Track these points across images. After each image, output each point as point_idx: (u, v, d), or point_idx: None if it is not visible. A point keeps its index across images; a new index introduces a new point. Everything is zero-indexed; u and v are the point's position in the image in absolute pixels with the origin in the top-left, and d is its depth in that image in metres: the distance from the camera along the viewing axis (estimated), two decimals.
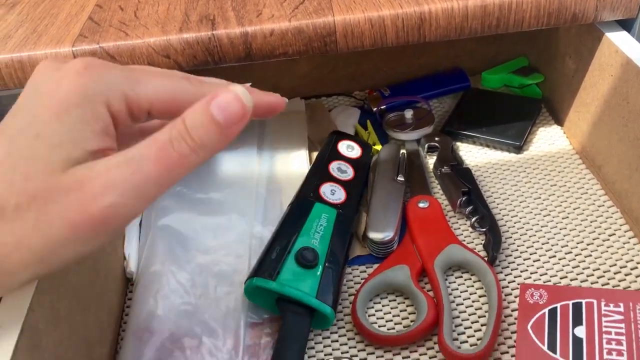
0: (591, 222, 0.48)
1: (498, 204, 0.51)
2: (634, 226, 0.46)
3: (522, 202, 0.51)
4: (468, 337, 0.42)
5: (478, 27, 0.46)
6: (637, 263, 0.44)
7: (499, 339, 0.41)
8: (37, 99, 0.29)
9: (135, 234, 0.49)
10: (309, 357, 0.42)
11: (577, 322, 0.37)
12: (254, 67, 0.64)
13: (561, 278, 0.44)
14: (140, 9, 0.49)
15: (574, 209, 0.49)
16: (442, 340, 0.40)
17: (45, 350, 0.32)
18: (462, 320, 0.43)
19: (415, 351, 0.42)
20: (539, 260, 0.46)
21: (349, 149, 0.55)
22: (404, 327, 0.43)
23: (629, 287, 0.43)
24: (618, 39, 0.47)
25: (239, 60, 0.46)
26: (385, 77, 0.66)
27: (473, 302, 0.44)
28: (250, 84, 0.35)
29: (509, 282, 0.45)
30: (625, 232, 0.47)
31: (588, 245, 0.46)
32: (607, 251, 0.45)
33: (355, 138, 0.56)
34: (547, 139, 0.57)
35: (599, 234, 0.47)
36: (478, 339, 0.42)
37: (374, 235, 0.47)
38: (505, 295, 0.44)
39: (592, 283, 0.44)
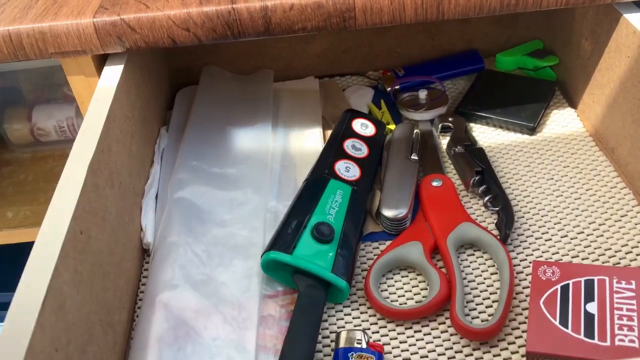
0: (603, 202, 0.48)
1: (511, 184, 0.51)
2: None
3: (534, 182, 0.51)
4: (479, 312, 0.43)
5: (497, 6, 0.46)
6: None
7: (510, 315, 0.42)
8: None
9: (151, 206, 0.50)
10: (322, 329, 0.43)
11: (589, 298, 0.38)
12: (268, 46, 0.65)
13: (572, 257, 0.45)
14: None
15: (586, 190, 0.50)
16: (454, 314, 0.41)
17: (68, 312, 0.32)
18: (474, 297, 0.44)
19: (427, 325, 0.42)
20: (550, 239, 0.46)
21: (363, 127, 0.55)
22: (416, 302, 0.44)
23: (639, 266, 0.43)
24: (636, 19, 0.47)
25: (258, 34, 0.46)
26: (399, 57, 0.67)
27: (485, 279, 0.45)
28: None
29: (520, 260, 0.45)
30: (637, 212, 0.47)
31: (600, 225, 0.47)
32: (618, 231, 0.46)
33: (369, 116, 0.57)
34: (561, 121, 0.57)
35: (611, 215, 0.47)
36: (489, 315, 0.42)
37: (388, 212, 0.48)
38: (517, 273, 0.45)
39: (603, 262, 0.44)
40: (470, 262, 0.46)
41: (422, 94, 0.60)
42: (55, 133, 0.90)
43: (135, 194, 0.48)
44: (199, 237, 0.47)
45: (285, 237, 0.44)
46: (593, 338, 0.36)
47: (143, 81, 0.54)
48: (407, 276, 0.46)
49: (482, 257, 0.46)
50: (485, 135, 0.57)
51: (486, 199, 0.50)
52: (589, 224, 0.47)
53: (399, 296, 0.45)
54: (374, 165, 0.52)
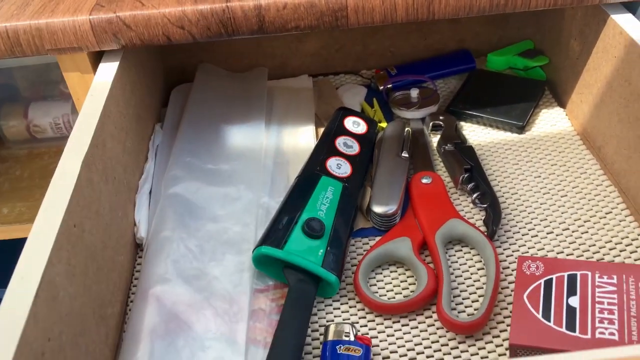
0: (589, 200, 0.49)
1: (499, 182, 0.52)
2: (631, 205, 0.48)
3: (522, 180, 0.52)
4: (466, 307, 0.43)
5: (486, 6, 0.46)
6: (632, 240, 0.46)
7: (496, 309, 0.43)
8: None
9: (145, 202, 0.51)
10: (312, 322, 0.44)
11: (572, 292, 0.39)
12: (262, 44, 0.66)
13: (558, 253, 0.46)
14: None
15: (573, 188, 0.51)
16: (440, 308, 0.42)
17: (61, 303, 0.33)
18: (461, 291, 0.44)
19: (414, 319, 0.43)
20: (536, 235, 0.47)
21: (355, 124, 0.56)
22: (404, 296, 0.45)
23: (623, 261, 0.44)
24: (623, 20, 0.48)
25: (252, 32, 0.47)
26: (392, 57, 0.67)
27: (472, 274, 0.46)
28: None
29: (507, 256, 0.46)
30: (622, 210, 0.48)
31: (585, 222, 0.48)
32: (603, 228, 0.47)
33: (361, 114, 0.58)
34: (549, 120, 0.58)
35: (596, 212, 0.48)
36: (475, 309, 0.43)
37: (378, 208, 0.49)
38: (503, 268, 0.45)
39: (587, 258, 0.45)
40: (458, 258, 0.47)
41: (414, 93, 0.60)
42: (51, 130, 0.91)
43: (129, 189, 0.49)
44: (192, 232, 0.48)
45: (276, 233, 0.45)
46: (574, 331, 0.37)
47: (138, 78, 0.54)
48: (396, 271, 0.47)
49: (470, 252, 0.47)
50: (475, 133, 0.58)
51: (474, 196, 0.51)
52: (575, 220, 0.48)
53: (387, 291, 0.45)
54: (365, 163, 0.53)
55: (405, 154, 0.53)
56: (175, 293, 0.43)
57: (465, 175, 0.52)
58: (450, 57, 0.66)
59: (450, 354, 0.41)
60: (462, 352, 0.41)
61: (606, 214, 0.48)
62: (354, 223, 0.50)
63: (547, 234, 0.47)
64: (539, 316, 0.38)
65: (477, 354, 0.41)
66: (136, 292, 0.44)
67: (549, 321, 0.38)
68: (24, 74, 0.86)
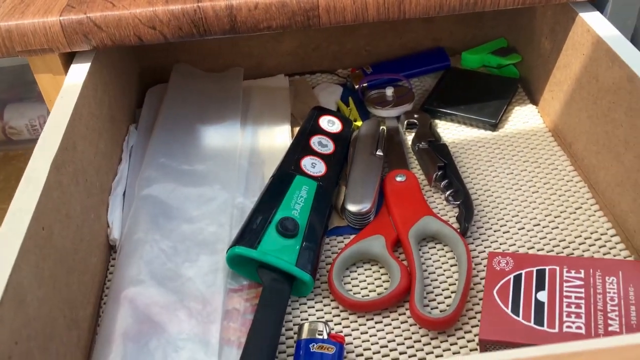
0: (559, 195, 0.50)
1: (472, 179, 0.53)
2: (600, 199, 0.48)
3: (495, 177, 0.53)
4: (438, 303, 0.44)
5: (457, 5, 0.47)
6: (601, 234, 0.46)
7: (468, 305, 0.43)
8: None
9: (119, 203, 0.50)
10: (287, 321, 0.44)
11: (540, 287, 0.39)
12: (238, 44, 0.66)
13: (528, 248, 0.46)
14: None
15: (544, 184, 0.51)
16: (413, 305, 0.42)
17: (29, 306, 0.33)
18: (434, 288, 0.45)
19: (388, 316, 0.43)
20: (508, 231, 0.48)
21: (330, 123, 0.56)
22: (378, 294, 0.45)
23: (592, 256, 0.45)
24: (590, 18, 0.49)
25: (224, 32, 0.47)
26: (368, 56, 0.68)
27: (445, 270, 0.46)
28: None
29: (479, 252, 0.47)
30: (591, 205, 0.49)
31: (555, 217, 0.48)
32: (573, 223, 0.48)
33: (336, 113, 0.58)
34: (522, 118, 0.59)
35: (567, 207, 0.49)
36: (448, 305, 0.44)
37: (352, 206, 0.49)
38: (475, 264, 0.46)
39: (557, 252, 0.46)
40: (432, 255, 0.47)
41: (389, 92, 0.61)
42: (27, 132, 0.90)
43: (102, 191, 0.49)
44: (166, 233, 0.48)
45: (250, 232, 0.45)
46: (542, 325, 0.37)
47: (111, 79, 0.54)
48: (370, 269, 0.47)
49: (443, 249, 0.48)
50: (449, 131, 0.59)
51: (447, 193, 0.51)
52: (545, 216, 0.49)
53: (361, 288, 0.46)
54: (339, 161, 0.53)
55: (379, 152, 0.54)
56: (148, 295, 0.43)
57: (439, 173, 0.52)
58: (425, 56, 0.67)
59: (422, 349, 0.41)
60: (434, 347, 0.41)
61: (576, 209, 0.49)
62: (329, 221, 0.50)
63: (519, 229, 0.48)
64: (508, 311, 0.39)
65: (449, 349, 0.41)
66: (109, 294, 0.44)
67: (518, 316, 0.38)
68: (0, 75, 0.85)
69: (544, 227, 0.48)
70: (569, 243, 0.46)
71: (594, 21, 0.48)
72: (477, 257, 0.47)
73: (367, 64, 0.67)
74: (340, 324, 0.44)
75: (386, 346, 0.42)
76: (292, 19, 0.47)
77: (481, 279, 0.45)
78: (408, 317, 0.43)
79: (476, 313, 0.43)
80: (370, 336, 0.42)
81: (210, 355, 0.41)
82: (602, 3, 0.49)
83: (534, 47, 0.60)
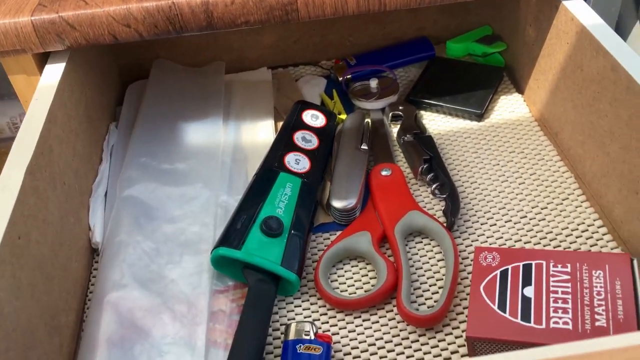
0: (546, 187, 0.50)
1: (458, 171, 0.52)
2: (587, 190, 0.48)
3: (481, 168, 0.52)
4: (426, 299, 0.44)
5: None
6: (588, 225, 0.46)
7: (455, 301, 0.43)
8: None
9: (100, 205, 0.50)
10: (273, 321, 0.43)
11: (527, 282, 0.39)
12: (219, 38, 0.65)
13: (516, 241, 0.46)
14: None
15: (531, 175, 0.51)
16: (399, 302, 0.42)
17: (7, 319, 0.32)
18: (421, 284, 0.44)
19: (375, 314, 0.43)
20: (495, 224, 0.48)
21: (314, 118, 0.56)
22: (365, 291, 0.45)
23: (579, 248, 0.45)
24: (574, 7, 0.48)
25: (200, 29, 0.46)
26: (351, 46, 0.67)
27: (432, 266, 0.46)
28: None
29: (466, 247, 0.46)
30: (578, 196, 0.48)
31: (542, 209, 0.48)
32: (560, 214, 0.47)
33: (320, 107, 0.57)
34: (508, 107, 0.58)
35: (553, 199, 0.48)
36: (435, 301, 0.43)
37: (337, 203, 0.48)
38: (462, 259, 0.46)
39: (544, 245, 0.45)
40: (418, 250, 0.47)
41: (373, 83, 0.60)
42: (8, 130, 0.88)
43: (81, 194, 0.48)
44: (148, 234, 0.47)
45: (234, 233, 0.44)
46: (529, 321, 0.37)
47: (87, 78, 0.53)
48: (357, 266, 0.47)
49: (430, 244, 0.47)
50: (435, 122, 0.58)
51: (434, 186, 0.50)
52: (532, 208, 0.48)
53: (348, 286, 0.45)
54: (324, 157, 0.53)
55: (364, 146, 0.53)
56: (131, 298, 0.43)
57: (425, 166, 0.52)
58: (409, 45, 0.66)
59: (410, 347, 0.41)
60: (422, 344, 0.41)
61: (563, 200, 0.48)
62: (314, 218, 0.49)
63: (506, 222, 0.48)
64: (495, 308, 0.38)
65: (437, 346, 0.41)
66: (92, 298, 0.43)
67: (505, 312, 0.38)
68: None
69: (530, 219, 0.47)
70: (556, 235, 0.46)
71: (578, 10, 0.47)
72: (464, 251, 0.46)
73: (351, 54, 0.66)
74: (327, 322, 0.43)
75: (374, 344, 0.41)
76: (270, 14, 0.46)
77: (468, 273, 0.45)
78: (395, 314, 0.43)
79: (464, 309, 0.42)
80: (358, 334, 0.42)
81: (197, 358, 0.40)
82: None
83: (519, 36, 0.59)
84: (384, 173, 0.51)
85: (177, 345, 0.41)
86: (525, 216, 0.48)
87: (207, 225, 0.48)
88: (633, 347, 0.25)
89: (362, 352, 0.41)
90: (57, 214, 0.42)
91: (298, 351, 0.39)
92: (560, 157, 0.52)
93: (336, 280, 0.46)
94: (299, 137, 0.53)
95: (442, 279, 0.44)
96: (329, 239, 0.49)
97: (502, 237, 0.46)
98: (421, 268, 0.46)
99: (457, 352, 0.40)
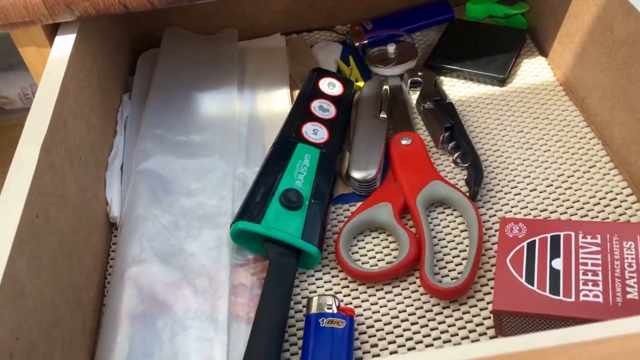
0: (572, 154, 0.48)
1: (481, 139, 0.51)
2: (615, 157, 0.47)
3: (504, 135, 0.51)
4: (449, 271, 0.43)
5: None
6: (617, 194, 0.45)
7: (479, 272, 0.42)
8: None
9: (116, 179, 0.49)
10: (295, 295, 0.43)
11: (555, 254, 0.38)
12: (230, 4, 0.63)
13: (541, 211, 0.45)
14: None
15: (556, 142, 0.49)
16: (423, 274, 0.41)
17: (29, 298, 0.32)
18: (444, 255, 0.44)
19: (398, 286, 0.43)
20: (519, 194, 0.46)
21: (330, 86, 0.54)
22: (387, 263, 0.44)
23: (607, 218, 0.44)
24: None
25: None
26: (367, 10, 0.64)
27: (454, 237, 0.45)
28: None
29: (490, 217, 0.45)
30: (605, 163, 0.47)
31: (569, 177, 0.47)
32: (587, 183, 0.46)
33: (337, 75, 0.55)
34: (531, 71, 0.56)
35: (580, 166, 0.47)
36: (459, 273, 0.43)
37: (357, 173, 0.47)
38: (486, 229, 0.45)
39: (571, 215, 0.44)
40: (440, 221, 0.46)
41: (391, 48, 0.58)
42: (20, 101, 0.88)
43: (97, 168, 0.47)
44: (166, 208, 0.46)
45: (253, 206, 0.43)
46: (558, 294, 0.36)
47: (99, 48, 0.52)
48: (378, 237, 0.46)
49: (452, 214, 0.46)
50: (455, 88, 0.56)
51: (456, 155, 0.49)
52: (558, 176, 0.47)
53: (369, 258, 0.45)
54: (342, 126, 0.51)
55: (383, 115, 0.52)
56: (151, 273, 0.42)
57: (446, 134, 0.50)
58: (427, 8, 0.63)
59: (434, 319, 0.40)
60: (446, 317, 0.40)
61: (590, 167, 0.47)
62: (334, 190, 0.49)
63: (530, 191, 0.46)
64: (522, 280, 0.37)
65: (461, 318, 0.40)
66: (112, 273, 0.43)
67: (533, 285, 0.37)
68: None
69: (556, 188, 0.46)
70: (583, 204, 0.45)
71: None
72: (488, 221, 0.45)
73: (367, 19, 0.64)
74: (349, 295, 0.43)
75: (397, 317, 0.41)
76: None
77: (492, 244, 0.44)
78: (418, 287, 0.42)
79: (488, 280, 0.42)
80: (380, 307, 0.42)
81: (220, 333, 0.40)
82: None
83: None
84: (404, 142, 0.50)
85: (199, 319, 0.41)
86: (551, 185, 0.46)
87: (225, 198, 0.47)
88: None
89: (384, 324, 0.41)
90: (75, 190, 0.41)
91: (321, 325, 0.39)
92: (586, 122, 0.50)
93: (357, 253, 0.45)
94: (316, 106, 0.52)
95: (466, 250, 0.44)
96: (348, 210, 0.48)
97: (526, 207, 0.45)
98: (444, 239, 0.45)
99: (481, 324, 0.40)
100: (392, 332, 0.40)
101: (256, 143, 0.52)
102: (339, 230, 0.45)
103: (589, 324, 0.25)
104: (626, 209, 0.44)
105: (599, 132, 0.49)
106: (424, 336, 0.40)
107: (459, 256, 0.44)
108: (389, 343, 0.40)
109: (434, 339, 0.39)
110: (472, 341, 0.39)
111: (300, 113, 0.51)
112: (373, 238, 0.46)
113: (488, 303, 0.41)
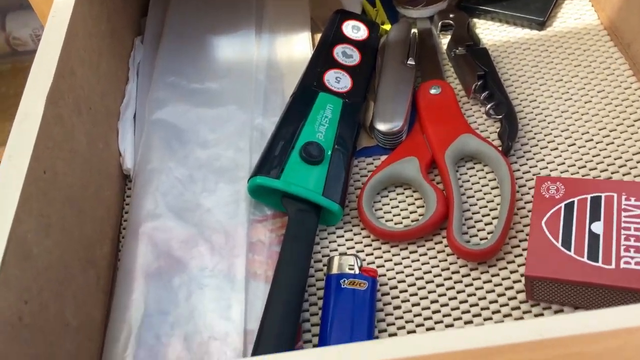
0: (616, 106, 0.45)
1: (516, 88, 0.47)
2: None
3: (542, 85, 0.47)
4: (478, 230, 0.41)
5: None
6: None
7: (511, 233, 0.40)
8: None
9: (129, 129, 0.47)
10: (315, 252, 0.41)
11: (595, 217, 0.36)
12: None
13: (579, 167, 0.42)
14: None
15: (598, 92, 0.46)
16: (450, 235, 0.39)
17: (37, 260, 0.31)
18: (473, 214, 0.41)
19: (423, 246, 0.40)
20: (556, 148, 0.43)
21: (355, 29, 0.50)
22: (412, 221, 0.42)
23: None
24: None
25: None
26: None
27: (485, 194, 0.42)
28: None
29: (523, 173, 0.43)
30: None
31: (611, 131, 0.43)
32: (630, 138, 0.42)
33: (362, 17, 0.52)
34: (573, 13, 0.52)
35: (624, 120, 0.44)
36: (489, 233, 0.40)
37: (382, 125, 0.45)
38: (519, 187, 0.42)
39: (612, 173, 0.41)
40: (470, 177, 0.43)
41: None
42: (32, 42, 0.85)
43: (109, 117, 0.45)
44: (181, 160, 0.44)
45: (272, 160, 0.41)
46: (597, 261, 0.34)
47: None
48: (403, 193, 0.43)
49: (483, 170, 0.43)
50: (489, 32, 0.52)
51: (489, 106, 0.46)
52: (599, 130, 0.43)
53: (394, 215, 0.42)
54: (367, 74, 0.48)
55: (411, 61, 0.48)
56: (166, 229, 0.41)
57: (479, 83, 0.47)
58: None
59: (461, 282, 0.38)
60: (473, 279, 0.38)
61: (634, 121, 0.43)
62: (357, 142, 0.46)
63: (569, 146, 0.43)
64: (558, 245, 0.35)
65: (490, 281, 0.38)
66: (127, 228, 0.42)
67: (570, 250, 0.35)
68: None
69: (597, 143, 0.43)
70: (626, 161, 0.41)
71: None
72: (521, 178, 0.42)
73: None
74: (372, 254, 0.41)
75: (421, 278, 0.39)
76: None
77: (525, 203, 0.41)
78: (445, 247, 0.40)
79: (520, 241, 0.39)
80: (404, 267, 0.40)
81: (237, 292, 0.39)
82: None
83: None
84: (432, 91, 0.47)
85: (216, 277, 0.39)
86: (591, 139, 0.43)
87: (243, 150, 0.45)
88: None
89: (409, 286, 0.39)
90: (85, 142, 0.39)
91: (342, 286, 0.37)
92: (632, 71, 0.46)
93: (381, 209, 0.43)
94: (338, 51, 0.48)
95: (496, 209, 0.41)
96: (372, 164, 0.46)
97: (564, 163, 0.42)
98: (473, 197, 0.42)
99: (511, 287, 0.38)
100: (416, 294, 0.38)
101: (275, 91, 0.49)
102: (362, 185, 0.43)
103: None
104: None
105: None
106: (449, 299, 0.38)
107: (489, 215, 0.41)
108: (413, 305, 0.38)
109: (460, 302, 0.38)
110: (501, 305, 0.37)
111: (322, 59, 0.47)
112: (398, 194, 0.43)
113: (519, 266, 0.38)
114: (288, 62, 0.51)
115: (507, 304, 0.37)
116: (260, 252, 0.41)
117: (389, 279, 0.39)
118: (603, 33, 0.49)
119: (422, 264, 0.40)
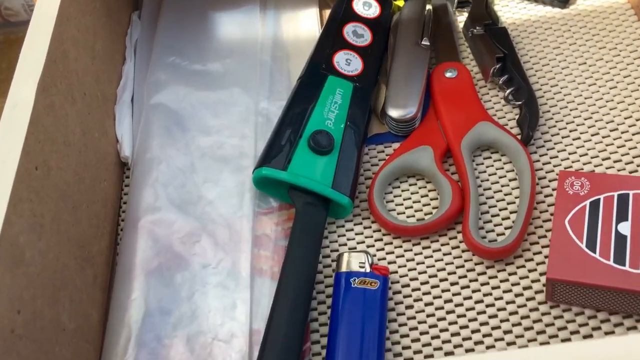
0: None
1: (537, 71, 0.45)
2: None
3: (564, 68, 0.44)
4: (495, 225, 0.39)
5: None
6: None
7: (530, 228, 0.38)
8: None
9: (127, 113, 0.44)
10: (323, 247, 0.39)
11: (622, 216, 0.33)
12: None
13: (603, 159, 0.40)
14: None
15: (624, 77, 0.43)
16: (466, 231, 0.37)
17: (30, 264, 0.29)
18: (489, 208, 0.39)
19: (437, 241, 0.39)
20: (579, 138, 0.41)
21: (366, 6, 0.47)
22: (426, 215, 0.40)
23: None
24: None
25: None
26: None
27: (502, 186, 0.40)
28: None
29: (543, 164, 0.40)
30: None
31: (637, 120, 0.41)
32: None
33: None
34: None
35: None
36: (506, 228, 0.38)
37: (394, 112, 0.42)
38: (539, 179, 0.40)
39: (638, 166, 0.39)
40: (487, 168, 0.41)
41: None
42: (24, 12, 0.82)
43: (105, 102, 0.42)
44: (182, 148, 0.42)
45: (278, 150, 0.39)
46: (624, 264, 0.32)
47: None
48: (416, 185, 0.41)
49: (501, 160, 0.41)
50: (509, 9, 0.49)
51: (508, 91, 0.43)
52: (625, 119, 0.41)
53: (406, 208, 0.40)
54: (378, 55, 0.45)
55: (425, 42, 0.45)
56: (167, 223, 0.39)
57: (497, 66, 0.44)
58: None
59: (476, 280, 0.37)
60: (490, 278, 0.37)
61: None
62: (368, 129, 0.43)
63: (592, 135, 0.41)
64: (583, 246, 0.33)
65: (508, 280, 0.36)
66: (125, 220, 0.40)
67: (594, 252, 0.33)
68: None
69: (622, 133, 0.40)
70: None
71: None
72: (542, 169, 0.40)
73: None
74: (382, 249, 0.39)
75: (435, 275, 0.37)
76: None
77: (545, 196, 0.39)
78: (460, 242, 0.38)
79: (539, 238, 0.37)
80: (417, 264, 0.38)
81: (242, 289, 0.37)
82: None
83: None
84: (448, 75, 0.44)
85: (220, 274, 0.37)
86: (616, 129, 0.41)
87: (247, 137, 0.43)
88: None
89: (421, 284, 0.37)
90: (79, 131, 0.37)
91: (352, 285, 0.36)
92: None
93: (392, 202, 0.41)
94: (349, 31, 0.45)
95: (515, 203, 0.39)
96: (383, 152, 0.43)
97: (587, 154, 0.40)
98: (490, 189, 0.40)
99: (529, 287, 0.36)
100: (429, 293, 0.37)
101: (281, 73, 0.47)
102: (373, 176, 0.41)
103: None
104: None
105: None
106: (464, 298, 0.36)
107: (506, 209, 0.39)
108: (426, 305, 0.36)
109: (476, 302, 0.36)
110: (519, 306, 0.35)
111: (331, 39, 0.45)
112: (410, 185, 0.41)
113: (538, 264, 0.36)
114: (295, 42, 0.48)
115: (525, 305, 0.35)
116: (266, 246, 0.39)
117: (400, 277, 0.38)
118: (630, 12, 0.47)
119: (436, 261, 0.38)
